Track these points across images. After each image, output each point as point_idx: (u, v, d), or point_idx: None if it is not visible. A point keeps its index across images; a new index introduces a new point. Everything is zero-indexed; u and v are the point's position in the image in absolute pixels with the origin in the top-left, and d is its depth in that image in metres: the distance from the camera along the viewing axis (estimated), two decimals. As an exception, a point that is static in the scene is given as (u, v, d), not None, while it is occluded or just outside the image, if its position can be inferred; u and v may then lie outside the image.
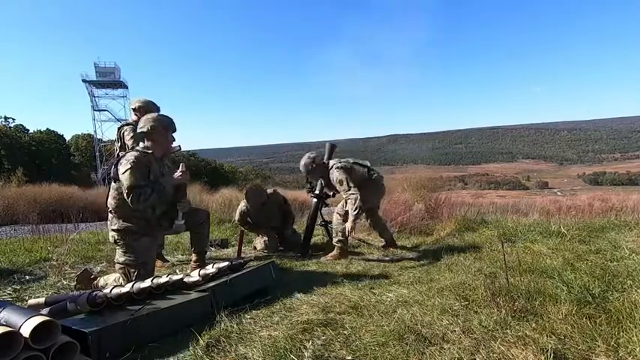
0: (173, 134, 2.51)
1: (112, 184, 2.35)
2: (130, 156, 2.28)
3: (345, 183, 3.30)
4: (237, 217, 4.04)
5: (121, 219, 2.32)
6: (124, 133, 3.17)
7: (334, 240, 3.49)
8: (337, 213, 3.53)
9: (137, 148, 2.44)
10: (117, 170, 2.29)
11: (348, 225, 3.18)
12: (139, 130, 2.45)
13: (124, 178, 2.21)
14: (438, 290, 2.17)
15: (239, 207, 4.03)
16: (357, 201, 3.19)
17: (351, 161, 3.59)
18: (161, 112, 2.48)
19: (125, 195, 2.22)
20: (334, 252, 3.44)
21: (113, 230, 2.34)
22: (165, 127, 2.44)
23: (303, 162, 3.55)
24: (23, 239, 3.93)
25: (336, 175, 3.38)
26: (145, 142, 2.43)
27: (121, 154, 2.40)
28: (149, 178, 2.30)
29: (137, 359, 1.52)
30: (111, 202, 2.35)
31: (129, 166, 2.22)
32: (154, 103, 3.33)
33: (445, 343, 1.51)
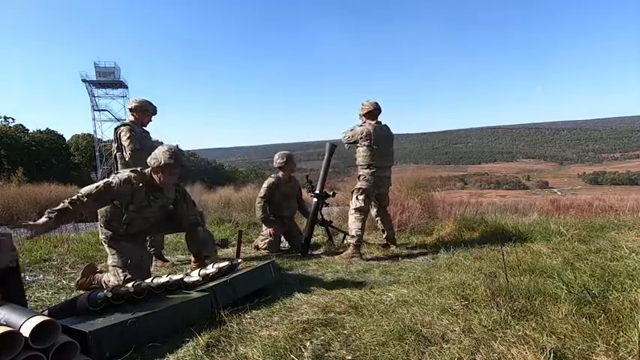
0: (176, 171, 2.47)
1: None
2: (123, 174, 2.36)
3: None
4: (262, 192, 3.86)
5: (107, 229, 2.42)
6: (120, 133, 3.17)
7: (350, 239, 3.53)
8: (351, 213, 3.57)
9: (140, 171, 2.41)
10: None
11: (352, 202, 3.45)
12: (149, 161, 2.39)
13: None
14: (438, 290, 2.17)
15: (267, 181, 3.93)
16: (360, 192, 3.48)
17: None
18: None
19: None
20: (348, 251, 3.48)
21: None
22: (174, 166, 2.39)
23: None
24: (23, 239, 3.92)
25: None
26: (155, 175, 2.39)
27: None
28: (132, 202, 2.34)
29: (137, 359, 1.52)
30: (100, 216, 2.42)
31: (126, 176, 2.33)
32: (151, 103, 3.35)
33: (445, 343, 1.51)
